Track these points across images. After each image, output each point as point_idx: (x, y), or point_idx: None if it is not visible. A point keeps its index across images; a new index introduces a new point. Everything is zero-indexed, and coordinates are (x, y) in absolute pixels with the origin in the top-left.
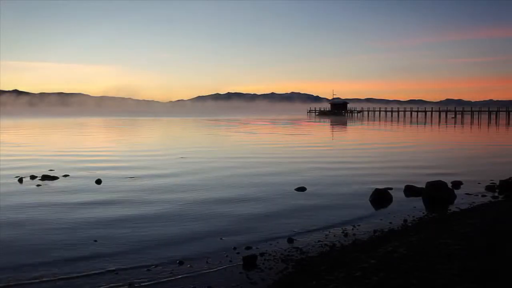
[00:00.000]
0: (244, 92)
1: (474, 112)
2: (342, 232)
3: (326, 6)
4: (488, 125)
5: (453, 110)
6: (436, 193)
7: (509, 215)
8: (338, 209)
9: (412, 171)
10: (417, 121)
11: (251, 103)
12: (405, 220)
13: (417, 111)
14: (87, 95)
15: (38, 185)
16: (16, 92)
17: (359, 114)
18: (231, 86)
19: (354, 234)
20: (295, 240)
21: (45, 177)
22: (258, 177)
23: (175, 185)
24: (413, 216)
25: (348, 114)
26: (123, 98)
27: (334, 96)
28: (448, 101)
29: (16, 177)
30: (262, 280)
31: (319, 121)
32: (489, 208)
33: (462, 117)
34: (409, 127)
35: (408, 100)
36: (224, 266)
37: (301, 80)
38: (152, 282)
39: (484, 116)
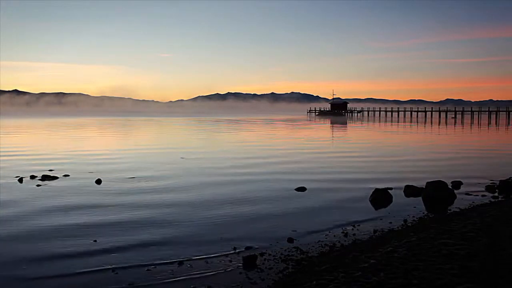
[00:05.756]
0: (244, 92)
1: (474, 112)
2: (342, 232)
3: (326, 6)
4: (488, 125)
5: (453, 110)
6: (436, 193)
7: (509, 215)
8: (338, 209)
9: (412, 171)
10: (417, 121)
11: (251, 103)
12: (405, 220)
13: (417, 111)
14: (86, 95)
15: (38, 185)
16: (16, 92)
17: (359, 114)
18: (231, 86)
19: (354, 234)
20: (295, 240)
21: (45, 177)
22: (258, 177)
23: (175, 185)
24: (413, 216)
25: (348, 114)
26: (122, 98)
27: (334, 96)
28: (448, 101)
29: (16, 177)
30: (262, 280)
31: (319, 121)
32: (489, 208)
33: (462, 117)
34: (409, 127)
35: (408, 100)
36: (224, 266)
37: (301, 80)
38: (152, 282)
39: (484, 116)
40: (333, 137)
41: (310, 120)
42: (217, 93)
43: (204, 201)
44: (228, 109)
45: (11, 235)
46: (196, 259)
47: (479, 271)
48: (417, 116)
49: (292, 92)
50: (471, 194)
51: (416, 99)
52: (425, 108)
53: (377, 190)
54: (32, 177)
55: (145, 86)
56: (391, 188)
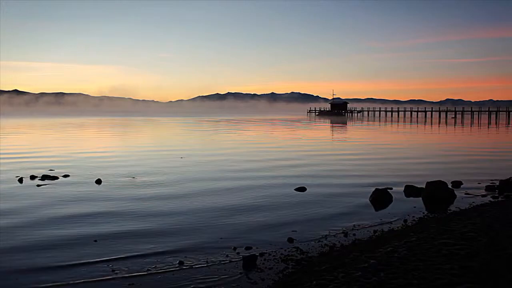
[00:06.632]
0: (244, 92)
1: (474, 112)
2: (342, 232)
3: (327, 6)
4: (488, 125)
5: (453, 110)
6: (436, 193)
7: (509, 215)
8: (338, 209)
9: (412, 171)
10: (417, 121)
11: (251, 103)
12: (405, 220)
13: (417, 111)
14: (86, 95)
15: (38, 185)
16: (16, 92)
17: (359, 114)
18: (231, 86)
19: (354, 234)
20: (295, 240)
21: (45, 177)
22: (258, 177)
23: (175, 185)
24: (413, 216)
25: (348, 114)
26: (122, 98)
27: (334, 96)
28: (448, 101)
29: (16, 177)
30: (262, 280)
31: (319, 121)
32: (489, 208)
33: (462, 117)
34: (409, 127)
35: (408, 100)
36: (224, 266)
37: (301, 80)
38: (152, 283)
39: (484, 116)
40: (333, 137)
41: (310, 120)
42: (217, 93)
43: (203, 201)
44: (228, 109)
45: (11, 235)
46: (196, 259)
47: (479, 271)
48: (417, 116)
49: (292, 92)
50: (471, 194)
51: (416, 99)
52: (425, 108)
53: (377, 190)
54: (32, 177)
55: (145, 86)
56: (391, 188)
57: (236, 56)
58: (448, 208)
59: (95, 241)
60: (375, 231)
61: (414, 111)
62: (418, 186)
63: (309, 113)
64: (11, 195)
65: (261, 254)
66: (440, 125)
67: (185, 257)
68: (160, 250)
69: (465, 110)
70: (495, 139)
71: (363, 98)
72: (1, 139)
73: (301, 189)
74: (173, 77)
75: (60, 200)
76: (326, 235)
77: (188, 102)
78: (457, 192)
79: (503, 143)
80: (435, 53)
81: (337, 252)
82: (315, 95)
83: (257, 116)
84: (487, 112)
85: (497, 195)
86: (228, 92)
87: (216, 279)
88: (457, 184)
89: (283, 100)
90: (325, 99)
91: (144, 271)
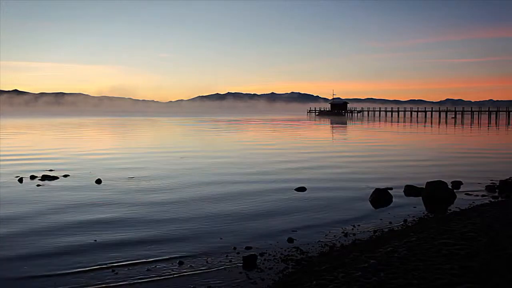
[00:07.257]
0: (244, 92)
1: (474, 112)
2: (342, 232)
3: (327, 6)
4: (488, 125)
5: (453, 110)
6: (436, 193)
7: (509, 215)
8: (338, 209)
9: (412, 171)
10: (417, 121)
11: (251, 103)
12: (405, 220)
13: (417, 111)
14: (86, 95)
15: (38, 185)
16: (16, 92)
17: (359, 114)
18: (230, 86)
19: (354, 234)
20: (295, 240)
21: (45, 177)
22: (257, 178)
23: (175, 184)
24: (413, 216)
25: (348, 114)
26: (122, 98)
27: (334, 96)
28: (448, 101)
29: (16, 177)
30: (262, 280)
31: (319, 121)
32: (489, 208)
33: (462, 117)
34: (409, 127)
35: (408, 100)
36: (224, 266)
37: (301, 80)
38: (152, 282)
39: (484, 116)
40: (333, 137)
41: (310, 120)
42: (217, 93)
43: (204, 201)
44: (228, 109)
45: (11, 235)
46: (197, 259)
47: (479, 271)
48: (417, 116)
49: (292, 92)
50: (471, 194)
51: (416, 99)
52: (425, 108)
53: (377, 190)
54: (32, 177)
55: (145, 86)
56: (391, 188)
57: (236, 56)
58: (448, 208)
59: (95, 240)
60: (375, 231)
61: (414, 111)
62: (418, 186)
63: (309, 113)
64: (11, 195)
65: (261, 254)
66: (440, 125)
67: (185, 256)
68: (160, 249)
69: (465, 110)
70: (495, 139)
71: (363, 98)
72: (1, 139)
73: (301, 189)
74: (173, 77)
75: (60, 201)
76: (326, 235)
77: (188, 102)
78: (457, 192)
79: (503, 143)
80: (435, 53)
81: (337, 252)
82: (315, 95)
83: (257, 116)
84: (487, 112)
85: (497, 195)
86: (228, 92)
87: (216, 279)
88: (457, 184)
89: (282, 100)
90: (325, 99)
91: (144, 271)
